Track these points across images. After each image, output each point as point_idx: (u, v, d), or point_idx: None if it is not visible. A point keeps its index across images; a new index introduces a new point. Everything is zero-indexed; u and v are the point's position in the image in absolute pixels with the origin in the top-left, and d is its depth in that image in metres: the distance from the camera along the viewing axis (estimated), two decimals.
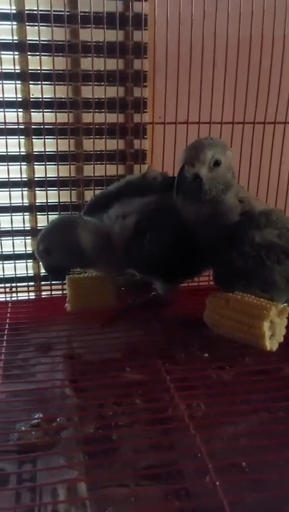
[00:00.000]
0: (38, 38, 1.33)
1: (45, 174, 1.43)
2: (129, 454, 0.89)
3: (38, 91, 1.37)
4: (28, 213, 1.46)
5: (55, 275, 1.30)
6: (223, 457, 0.85)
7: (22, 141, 1.41)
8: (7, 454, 0.87)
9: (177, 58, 1.34)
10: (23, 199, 1.42)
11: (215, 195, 1.11)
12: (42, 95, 1.36)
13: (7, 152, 1.38)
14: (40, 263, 1.30)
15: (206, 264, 1.25)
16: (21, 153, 1.41)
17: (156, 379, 1.04)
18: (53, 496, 0.79)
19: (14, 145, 1.39)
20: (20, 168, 1.41)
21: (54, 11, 1.31)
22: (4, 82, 1.33)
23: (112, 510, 0.77)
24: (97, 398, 1.02)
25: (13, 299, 1.44)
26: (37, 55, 1.34)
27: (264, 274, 1.11)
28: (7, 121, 1.35)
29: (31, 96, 1.40)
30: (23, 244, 1.45)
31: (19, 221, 1.43)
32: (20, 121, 1.38)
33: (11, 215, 1.42)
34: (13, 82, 1.34)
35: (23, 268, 1.47)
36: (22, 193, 1.42)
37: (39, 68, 1.34)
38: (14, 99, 1.35)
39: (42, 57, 1.33)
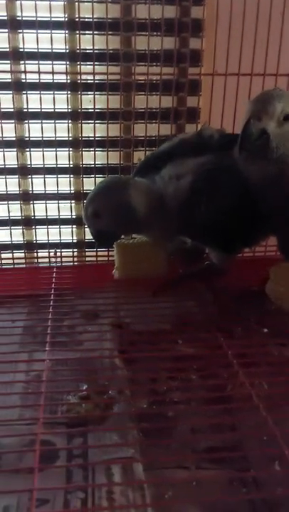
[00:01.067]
0: None
1: (94, 133, 1.33)
2: (187, 434, 0.81)
3: (88, 41, 1.27)
4: (74, 175, 1.37)
5: (104, 241, 1.20)
6: None
7: (68, 96, 1.32)
8: (56, 427, 0.81)
9: (243, 3, 1.22)
10: (69, 160, 1.33)
11: (283, 154, 0.99)
12: (93, 46, 1.25)
13: (54, 109, 1.28)
14: (88, 229, 1.20)
15: (268, 232, 1.15)
16: (68, 110, 1.31)
17: (213, 353, 0.95)
18: (107, 475, 0.72)
19: (60, 101, 1.29)
20: (68, 126, 1.31)
21: None
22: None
23: (173, 494, 0.69)
24: (148, 371, 0.95)
25: (58, 264, 1.36)
26: (89, 2, 1.23)
27: None
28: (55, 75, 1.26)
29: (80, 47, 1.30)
30: (68, 209, 1.36)
31: (65, 184, 1.35)
32: (69, 76, 1.28)
33: (57, 177, 1.33)
34: (63, 31, 1.25)
35: (69, 234, 1.38)
36: (69, 154, 1.33)
37: (91, 16, 1.24)
38: (63, 51, 1.26)
39: (94, 3, 1.23)
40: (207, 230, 1.10)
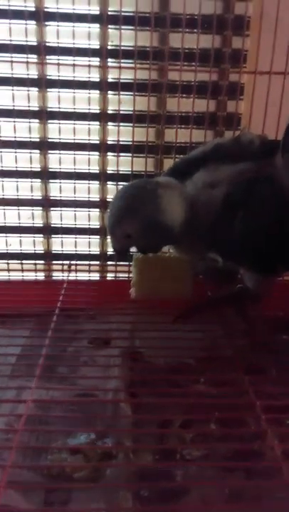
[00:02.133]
0: None
1: (118, 137, 1.19)
2: (197, 504, 0.64)
3: (116, 36, 1.14)
4: (95, 181, 1.24)
5: (130, 257, 1.06)
6: None
7: (93, 96, 1.19)
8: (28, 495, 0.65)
9: None
10: (89, 164, 1.20)
11: None
12: (120, 42, 1.12)
13: (74, 109, 1.16)
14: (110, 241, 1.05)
15: None
16: (90, 111, 1.18)
17: (240, 399, 0.78)
18: None
19: (83, 100, 1.16)
20: (89, 129, 1.18)
21: None
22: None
23: None
24: (159, 415, 0.78)
25: (70, 278, 1.22)
26: None
27: None
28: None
29: (110, 43, 1.17)
30: (86, 218, 1.22)
31: (84, 190, 1.21)
32: (93, 73, 1.16)
33: (74, 183, 1.20)
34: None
35: (86, 244, 1.24)
36: (89, 158, 1.20)
37: (119, 10, 1.11)
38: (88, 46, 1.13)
39: None
40: (242, 248, 0.94)
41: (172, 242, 1.03)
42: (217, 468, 0.70)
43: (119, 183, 1.21)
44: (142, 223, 0.94)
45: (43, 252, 1.27)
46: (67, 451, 0.71)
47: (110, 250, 1.28)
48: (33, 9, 1.13)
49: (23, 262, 1.24)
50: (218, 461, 0.72)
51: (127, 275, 1.22)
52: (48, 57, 1.14)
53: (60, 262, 1.25)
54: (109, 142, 1.23)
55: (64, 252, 1.25)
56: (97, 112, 1.20)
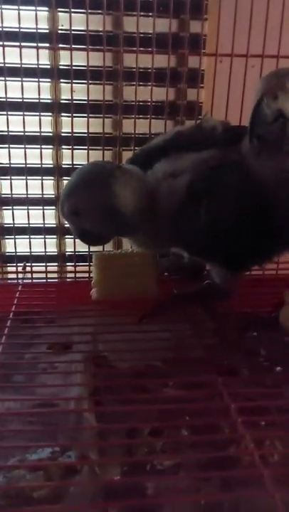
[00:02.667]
0: None
1: (72, 129, 1.12)
2: None
3: (66, 20, 1.07)
4: (50, 177, 1.16)
5: (90, 240, 0.99)
6: None
7: (45, 84, 1.11)
8: None
9: None
10: (41, 159, 1.11)
11: None
12: (70, 27, 1.04)
13: (23, 99, 1.07)
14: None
15: (282, 245, 0.94)
16: (41, 101, 1.09)
17: (212, 403, 0.73)
18: None
19: (33, 90, 1.08)
20: (40, 119, 1.09)
21: None
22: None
23: None
24: (126, 423, 0.71)
25: (25, 281, 1.13)
26: None
27: None
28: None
29: (60, 27, 1.10)
30: (41, 216, 1.15)
31: (37, 187, 1.13)
32: (44, 61, 1.09)
33: (26, 179, 1.12)
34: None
35: (41, 245, 1.16)
36: (41, 151, 1.11)
37: None
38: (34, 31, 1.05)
39: None
40: (207, 241, 0.89)
41: (123, 232, 0.98)
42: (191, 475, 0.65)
43: None
44: (91, 200, 0.90)
45: None
46: (26, 468, 0.63)
47: (69, 250, 1.22)
48: None
49: None
50: (192, 470, 0.66)
51: (87, 275, 1.14)
52: None
53: (14, 264, 1.16)
54: (63, 134, 1.15)
55: (18, 254, 1.16)
56: (49, 101, 1.13)
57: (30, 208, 1.13)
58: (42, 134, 1.10)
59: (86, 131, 1.10)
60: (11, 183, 1.12)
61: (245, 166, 0.86)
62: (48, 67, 1.13)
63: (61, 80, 1.13)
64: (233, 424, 0.67)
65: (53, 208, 1.20)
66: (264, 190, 0.84)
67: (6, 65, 1.05)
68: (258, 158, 0.82)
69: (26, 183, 1.12)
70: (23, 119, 1.07)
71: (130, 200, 0.89)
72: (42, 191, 1.13)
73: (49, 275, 1.17)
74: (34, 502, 0.60)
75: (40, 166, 1.11)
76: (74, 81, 1.10)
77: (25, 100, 1.06)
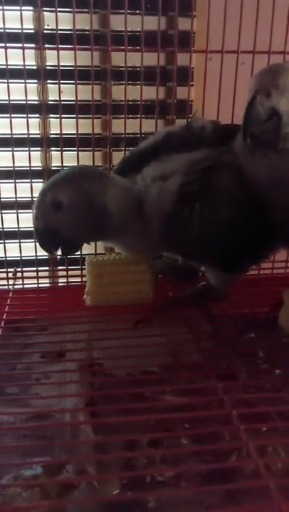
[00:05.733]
0: None
1: (60, 130, 1.09)
2: None
3: (52, 20, 1.04)
4: (39, 180, 1.14)
5: (64, 247, 0.89)
6: None
7: (32, 86, 1.09)
8: None
9: None
10: (30, 162, 1.08)
11: None
12: (56, 26, 1.01)
13: (9, 101, 1.04)
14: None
15: (277, 245, 0.92)
16: (28, 102, 1.06)
17: (213, 410, 0.71)
18: None
19: (20, 92, 1.05)
20: (27, 121, 1.06)
21: None
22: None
23: None
24: (124, 434, 0.69)
25: (16, 287, 1.11)
26: None
27: None
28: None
29: (45, 27, 1.07)
30: (30, 219, 1.12)
31: (26, 190, 1.10)
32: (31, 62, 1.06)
33: (15, 182, 1.09)
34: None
35: (32, 249, 1.14)
36: (29, 154, 1.08)
37: None
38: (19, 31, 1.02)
39: None
40: (200, 244, 0.87)
41: (105, 235, 0.93)
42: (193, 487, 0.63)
43: None
44: (79, 192, 0.84)
45: None
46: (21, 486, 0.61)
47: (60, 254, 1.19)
48: None
49: None
50: (194, 480, 0.64)
51: (79, 279, 1.12)
52: None
53: (4, 269, 1.13)
54: (51, 136, 1.13)
55: (8, 259, 1.13)
56: (36, 103, 1.10)
57: (19, 211, 1.11)
58: (30, 136, 1.08)
59: (75, 132, 1.08)
60: None
61: (239, 165, 0.83)
62: (35, 67, 1.10)
63: (48, 81, 1.11)
64: (235, 432, 0.65)
65: None
66: (258, 190, 0.82)
67: None
68: (252, 157, 0.80)
69: (15, 186, 1.09)
70: (10, 121, 1.04)
71: (119, 203, 0.86)
72: (31, 194, 1.10)
73: (40, 280, 1.14)
74: None
75: (28, 168, 1.09)
76: (61, 81, 1.07)
77: (11, 102, 1.04)
